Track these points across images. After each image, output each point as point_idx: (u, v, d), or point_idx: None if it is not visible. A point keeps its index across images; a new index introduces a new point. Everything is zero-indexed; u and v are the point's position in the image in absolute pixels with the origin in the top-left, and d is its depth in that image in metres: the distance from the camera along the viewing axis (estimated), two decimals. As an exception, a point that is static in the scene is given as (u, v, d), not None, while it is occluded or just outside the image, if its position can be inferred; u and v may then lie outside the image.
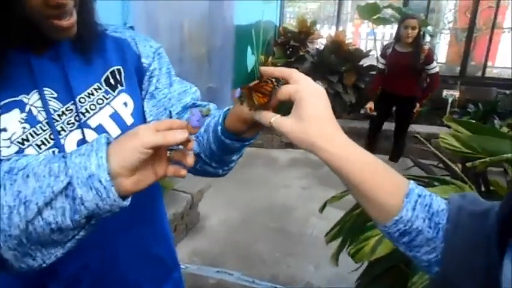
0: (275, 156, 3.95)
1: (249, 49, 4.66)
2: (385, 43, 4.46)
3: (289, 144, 4.06)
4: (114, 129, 0.59)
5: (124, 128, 0.60)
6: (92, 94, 0.59)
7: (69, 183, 0.42)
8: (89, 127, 0.57)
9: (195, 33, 3.55)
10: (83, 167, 0.42)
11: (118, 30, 0.65)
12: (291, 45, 4.73)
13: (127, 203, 0.44)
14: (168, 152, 0.48)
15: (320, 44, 4.93)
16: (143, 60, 0.65)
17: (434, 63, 3.14)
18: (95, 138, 0.44)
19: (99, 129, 0.58)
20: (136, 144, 0.43)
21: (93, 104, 0.58)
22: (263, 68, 0.48)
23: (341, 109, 4.49)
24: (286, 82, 0.48)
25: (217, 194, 2.88)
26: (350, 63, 4.41)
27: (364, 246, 1.07)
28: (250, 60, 4.71)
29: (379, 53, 3.58)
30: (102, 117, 0.59)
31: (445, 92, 4.30)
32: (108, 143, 0.44)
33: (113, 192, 0.42)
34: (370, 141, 3.48)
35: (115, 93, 0.61)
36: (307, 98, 0.44)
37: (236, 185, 3.11)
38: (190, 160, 0.47)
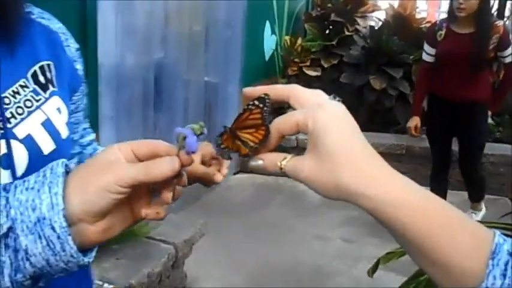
0: (302, 190, 3.92)
1: (268, 26, 4.76)
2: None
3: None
4: (47, 143, 0.65)
5: (59, 142, 0.67)
6: (18, 93, 0.65)
7: (10, 229, 0.44)
8: (15, 138, 0.62)
9: (186, 3, 3.62)
10: (30, 206, 0.44)
11: (45, 16, 0.75)
12: (331, 21, 4.82)
13: (89, 258, 0.47)
14: None
15: (376, 20, 5.05)
16: (78, 66, 0.78)
17: (511, 48, 3.14)
18: (49, 166, 0.47)
19: (28, 142, 0.63)
20: (108, 181, 0.45)
21: (21, 107, 0.64)
22: (245, 90, 0.51)
23: (407, 119, 4.53)
24: (282, 104, 0.49)
25: (214, 246, 2.91)
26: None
27: (432, 329, 1.13)
28: (269, 42, 4.80)
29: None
30: (32, 125, 0.65)
31: None
32: (68, 172, 0.47)
33: (70, 244, 0.44)
34: (438, 184, 3.32)
35: (46, 95, 0.68)
36: (326, 126, 0.44)
37: (242, 233, 3.15)
38: (177, 193, 0.50)
